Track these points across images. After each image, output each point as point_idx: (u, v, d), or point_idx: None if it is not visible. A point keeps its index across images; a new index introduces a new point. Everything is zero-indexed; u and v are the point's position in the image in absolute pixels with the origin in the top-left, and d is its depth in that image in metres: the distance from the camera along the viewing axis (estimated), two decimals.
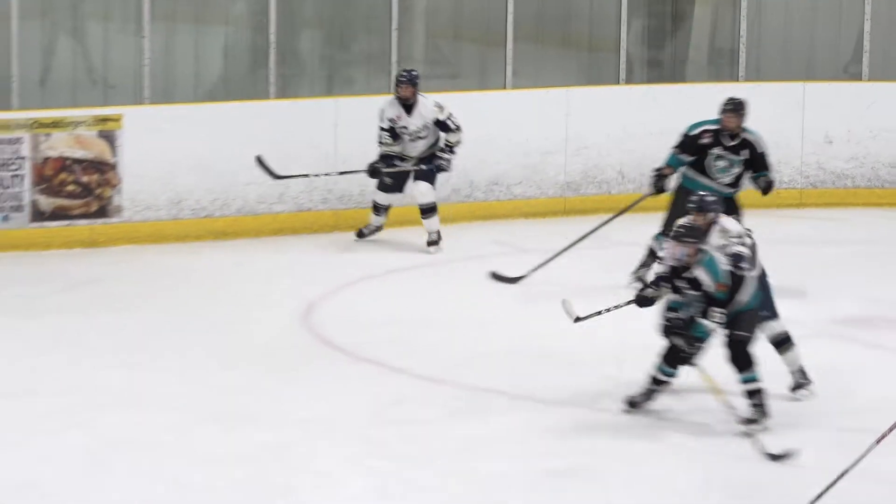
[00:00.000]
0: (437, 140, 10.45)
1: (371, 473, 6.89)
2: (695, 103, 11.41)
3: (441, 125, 10.37)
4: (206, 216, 10.53)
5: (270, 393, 7.90)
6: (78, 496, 6.48)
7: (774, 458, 7.04)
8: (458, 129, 10.45)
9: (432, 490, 6.71)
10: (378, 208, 10.54)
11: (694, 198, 7.71)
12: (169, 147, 10.49)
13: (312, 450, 7.04)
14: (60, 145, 10.37)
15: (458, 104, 11.11)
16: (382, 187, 10.51)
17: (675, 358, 7.37)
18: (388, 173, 10.48)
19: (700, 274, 7.23)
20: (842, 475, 6.35)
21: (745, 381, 7.40)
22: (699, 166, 9.59)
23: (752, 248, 7.64)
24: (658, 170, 9.65)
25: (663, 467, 7.05)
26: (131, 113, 10.61)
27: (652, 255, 9.74)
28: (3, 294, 9.56)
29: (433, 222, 10.48)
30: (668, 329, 7.37)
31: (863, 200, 12.37)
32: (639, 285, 9.43)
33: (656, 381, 7.49)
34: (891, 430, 6.38)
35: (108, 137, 10.47)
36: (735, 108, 9.56)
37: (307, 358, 8.38)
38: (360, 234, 10.68)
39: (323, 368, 8.10)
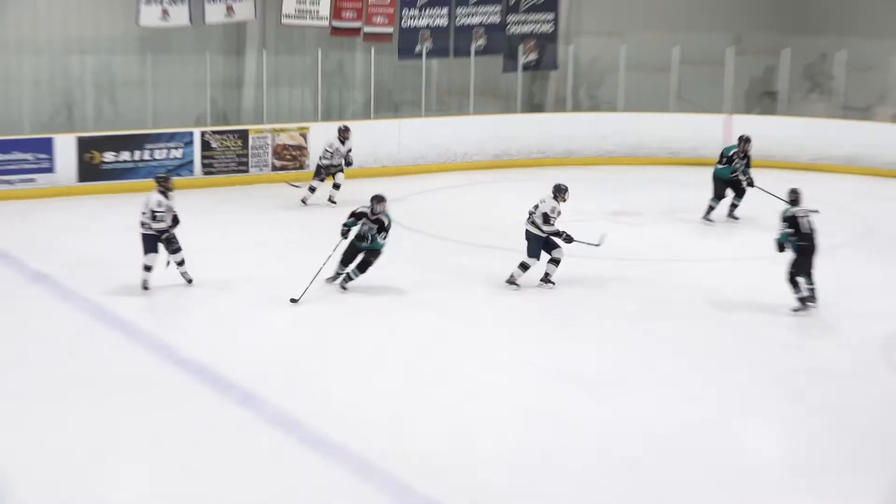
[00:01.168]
0: (347, 158, 14.18)
1: (411, 287, 9.87)
2: (551, 124, 17.93)
3: (348, 151, 14.21)
4: (358, 167, 15.12)
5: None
6: (230, 341, 8.61)
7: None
8: (351, 161, 14.20)
9: (447, 308, 9.31)
10: (312, 189, 14.32)
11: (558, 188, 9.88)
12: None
13: (386, 283, 9.80)
14: (283, 138, 16.30)
15: (450, 125, 17.22)
16: (319, 177, 14.12)
17: (345, 262, 9.69)
18: (325, 172, 14.03)
19: (383, 217, 9.44)
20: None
21: (353, 273, 9.54)
22: (728, 164, 13.12)
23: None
24: (731, 173, 12.83)
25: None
26: (314, 126, 16.52)
27: (710, 209, 13.16)
28: (256, 204, 14.16)
29: (338, 194, 14.24)
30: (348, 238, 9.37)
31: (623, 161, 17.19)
32: (709, 222, 12.84)
33: (345, 277, 9.53)
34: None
35: (304, 135, 16.45)
36: (747, 139, 13.10)
37: (399, 236, 11.08)
38: (304, 201, 14.34)
39: (407, 239, 11.24)
